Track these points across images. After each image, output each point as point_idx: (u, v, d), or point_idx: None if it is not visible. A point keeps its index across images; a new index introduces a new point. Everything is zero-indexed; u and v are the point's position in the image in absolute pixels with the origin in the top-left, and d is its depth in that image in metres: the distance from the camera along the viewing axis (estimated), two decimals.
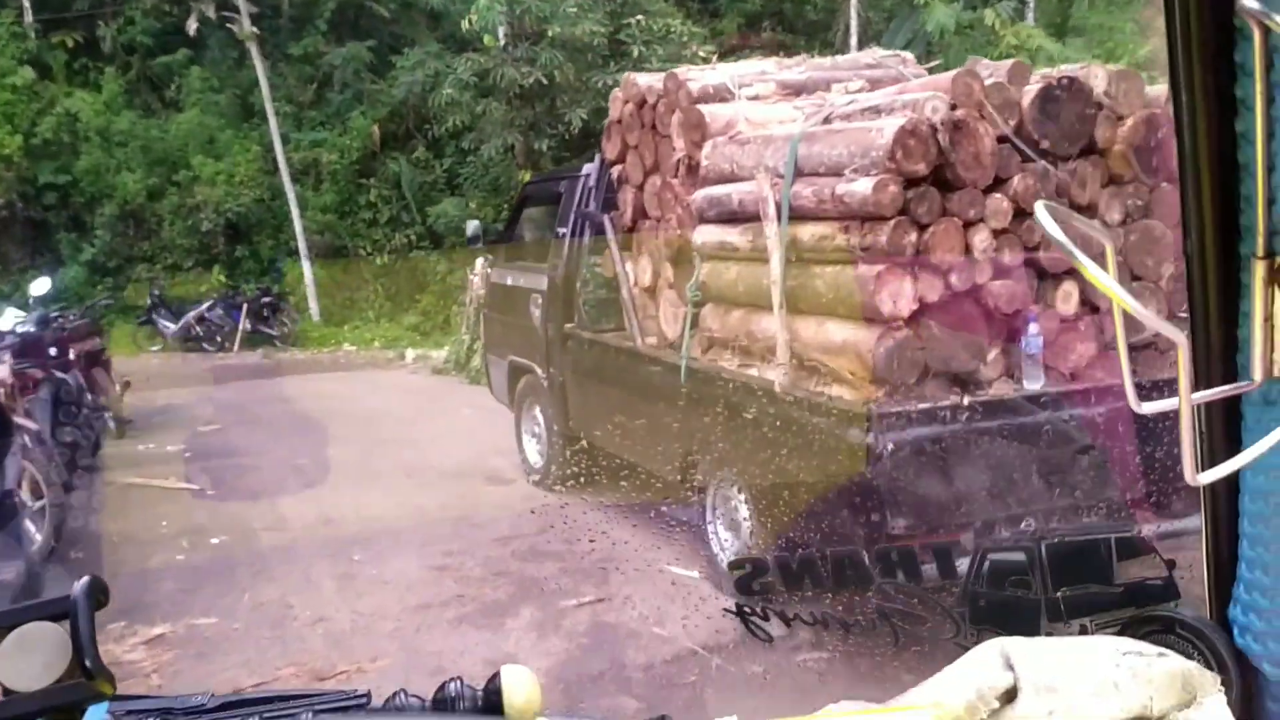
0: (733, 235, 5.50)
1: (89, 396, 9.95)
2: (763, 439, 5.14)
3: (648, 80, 6.55)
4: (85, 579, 0.84)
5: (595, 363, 6.86)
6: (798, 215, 5.05)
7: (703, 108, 5.91)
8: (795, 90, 6.13)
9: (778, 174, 5.19)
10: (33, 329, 8.99)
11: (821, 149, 4.95)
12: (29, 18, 18.38)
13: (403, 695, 0.98)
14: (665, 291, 6.37)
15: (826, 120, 5.18)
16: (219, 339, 16.49)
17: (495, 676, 0.98)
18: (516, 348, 7.90)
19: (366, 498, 7.70)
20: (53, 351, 9.14)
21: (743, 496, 5.48)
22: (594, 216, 6.93)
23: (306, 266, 17.32)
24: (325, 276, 17.67)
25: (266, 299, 16.65)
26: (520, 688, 0.96)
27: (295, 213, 17.26)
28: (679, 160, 6.13)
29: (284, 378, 13.84)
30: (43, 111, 17.76)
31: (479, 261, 11.18)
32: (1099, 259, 0.96)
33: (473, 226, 8.50)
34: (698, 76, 6.14)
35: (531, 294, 7.53)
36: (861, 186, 4.64)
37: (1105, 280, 0.94)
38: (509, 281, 8.03)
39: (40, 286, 9.84)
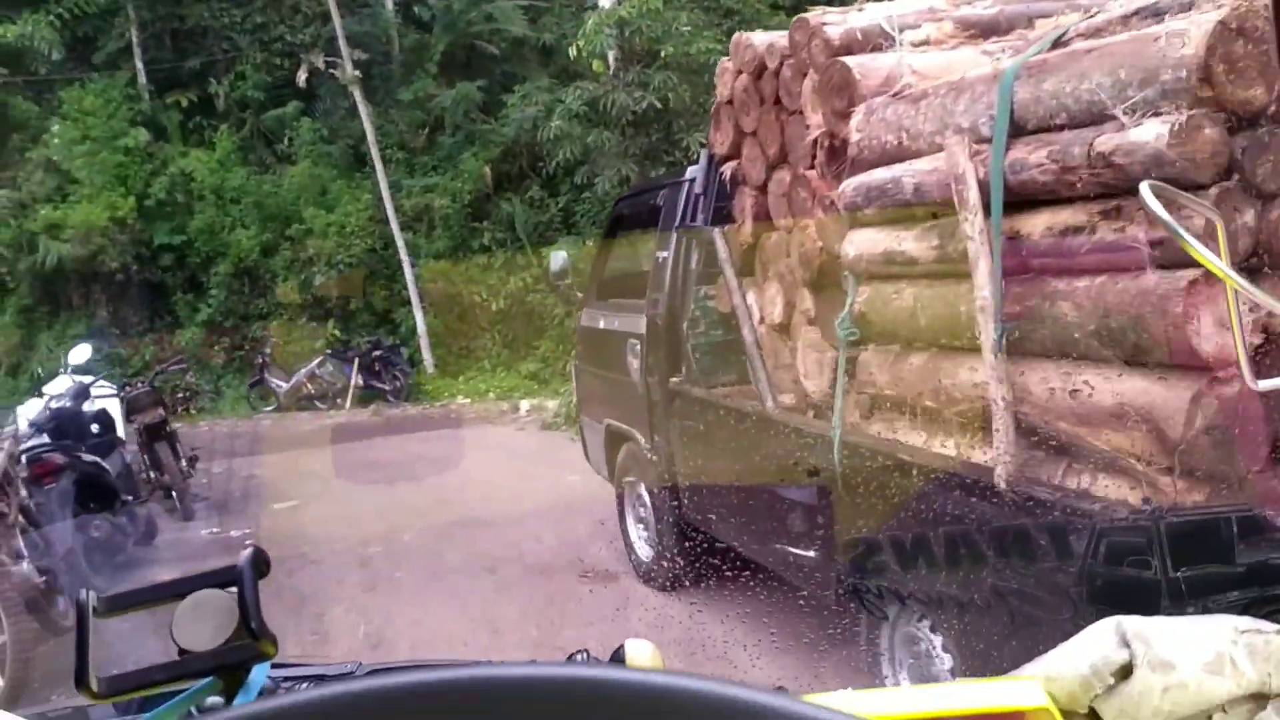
0: (906, 240, 3.39)
1: (149, 475, 8.34)
2: (976, 558, 2.99)
3: (766, 38, 4.48)
4: (250, 549, 0.84)
5: (710, 430, 4.78)
6: (1021, 197, 2.92)
7: (849, 61, 3.81)
8: (982, 31, 3.98)
9: (980, 137, 3.07)
10: (68, 403, 7.35)
11: (1060, 85, 2.81)
12: (143, 79, 17.32)
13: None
14: (804, 330, 4.27)
15: (1060, 44, 3.02)
16: (332, 395, 14.98)
17: (620, 649, 0.97)
18: (613, 409, 5.89)
19: (432, 607, 5.75)
20: (94, 429, 7.49)
21: (938, 640, 3.32)
22: (701, 230, 4.89)
23: (419, 316, 15.68)
24: (439, 326, 16.00)
25: (378, 352, 15.07)
26: (643, 659, 0.94)
27: (406, 261, 15.66)
28: (816, 141, 4.05)
29: (385, 438, 12.09)
30: (156, 172, 16.62)
31: None
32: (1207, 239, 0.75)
33: (559, 260, 6.52)
34: (838, 20, 4.04)
35: (628, 340, 5.52)
36: (1148, 133, 2.49)
37: (1214, 260, 0.92)
38: (600, 325, 6.03)
39: (79, 355, 8.22)
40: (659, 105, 14.41)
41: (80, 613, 0.80)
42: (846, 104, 3.78)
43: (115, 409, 8.43)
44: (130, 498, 7.28)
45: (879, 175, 3.48)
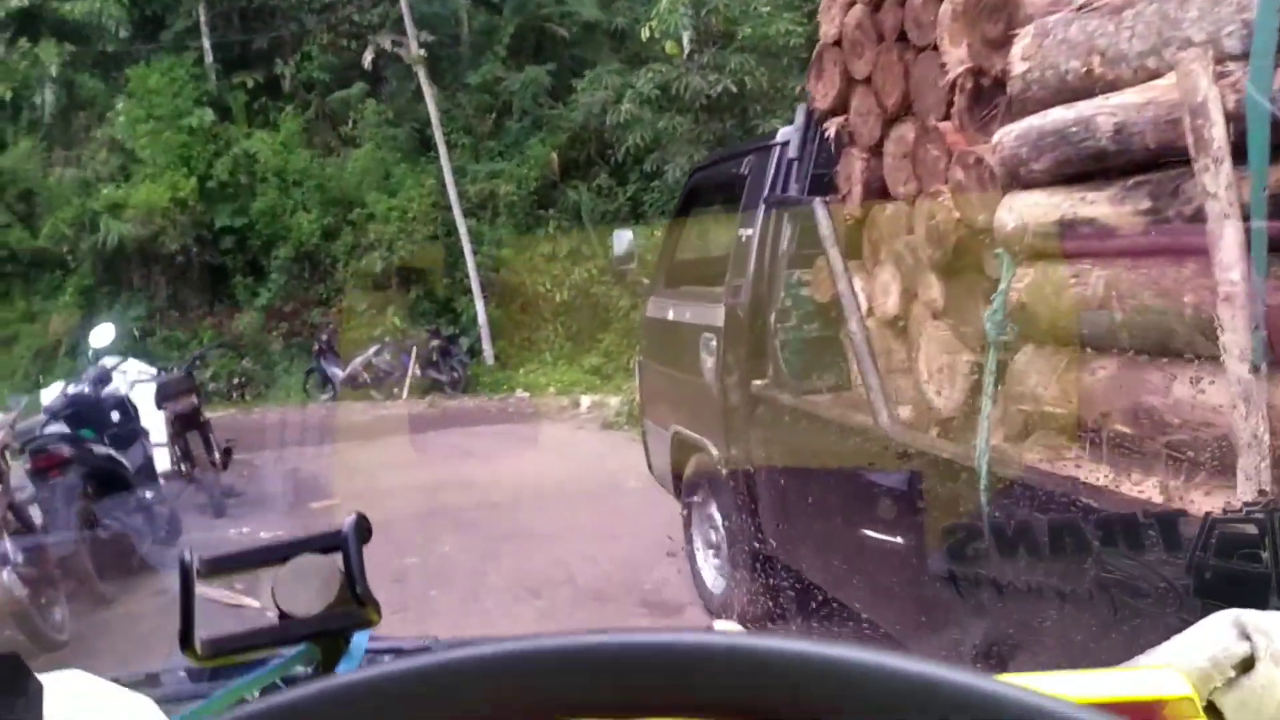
0: (1098, 203, 2.40)
1: (179, 468, 7.58)
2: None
3: None
4: (354, 515, 0.80)
5: (802, 446, 3.82)
6: None
7: None
8: None
9: (1226, 53, 2.10)
10: (87, 389, 6.59)
11: None
12: (209, 58, 16.71)
13: None
14: (928, 325, 3.30)
15: None
16: (389, 385, 14.23)
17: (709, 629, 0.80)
18: (681, 413, 4.95)
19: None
20: (115, 417, 6.73)
21: None
22: (796, 203, 3.94)
23: (480, 306, 14.86)
24: (501, 316, 15.18)
25: (436, 342, 14.28)
26: None
27: (468, 248, 14.86)
28: (955, 83, 3.07)
29: (438, 432, 11.28)
30: (219, 153, 15.99)
31: None
32: None
33: (623, 240, 5.56)
34: None
35: (702, 334, 4.58)
36: None
37: None
38: (670, 315, 5.08)
39: (102, 336, 7.44)
40: (734, 89, 13.47)
41: (185, 574, 0.75)
42: (1004, 29, 2.81)
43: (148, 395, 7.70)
44: (150, 494, 6.51)
45: (1057, 117, 2.50)
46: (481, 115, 16.78)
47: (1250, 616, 0.82)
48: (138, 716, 0.86)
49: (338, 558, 0.81)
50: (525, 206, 15.76)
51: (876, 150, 3.60)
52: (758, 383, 4.13)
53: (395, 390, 14.15)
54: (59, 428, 6.25)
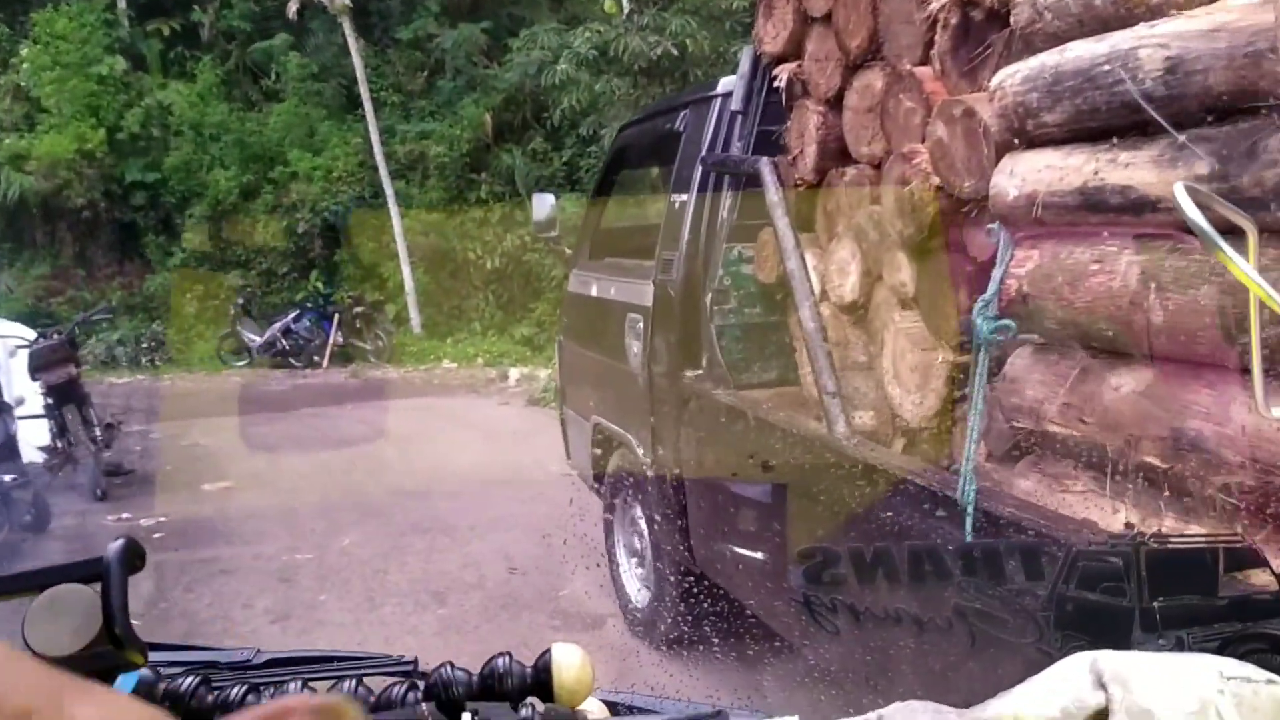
0: (1136, 165, 1.82)
1: (56, 445, 6.80)
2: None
3: None
4: (120, 541, 0.70)
5: (738, 450, 3.21)
6: None
7: None
8: None
9: None
10: None
11: None
12: (122, 4, 15.61)
13: (448, 668, 0.80)
14: (895, 315, 2.70)
15: None
16: (308, 353, 13.41)
17: (545, 654, 0.81)
18: (604, 403, 4.32)
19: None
20: None
21: None
22: (739, 164, 3.30)
23: (407, 272, 14.07)
24: (429, 282, 14.42)
25: (360, 309, 13.50)
26: (570, 667, 0.80)
27: (395, 211, 14.04)
28: (938, 18, 2.46)
29: (356, 405, 10.54)
30: (131, 104, 14.93)
31: None
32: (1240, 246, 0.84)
33: (544, 205, 4.88)
34: None
35: (628, 314, 3.94)
36: None
37: (1245, 269, 0.85)
38: (593, 292, 4.43)
39: None
40: (675, 52, 12.75)
41: None
42: None
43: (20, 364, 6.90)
44: (9, 477, 5.75)
45: (1082, 53, 1.90)
46: (412, 73, 15.92)
47: (1109, 661, 0.76)
48: None
49: (98, 589, 0.70)
50: (456, 169, 14.98)
51: (836, 103, 2.98)
52: (690, 374, 3.51)
53: (315, 358, 13.37)
54: None
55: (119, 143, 14.68)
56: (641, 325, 3.80)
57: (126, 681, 0.73)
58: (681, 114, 3.84)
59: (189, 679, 0.78)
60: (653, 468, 3.77)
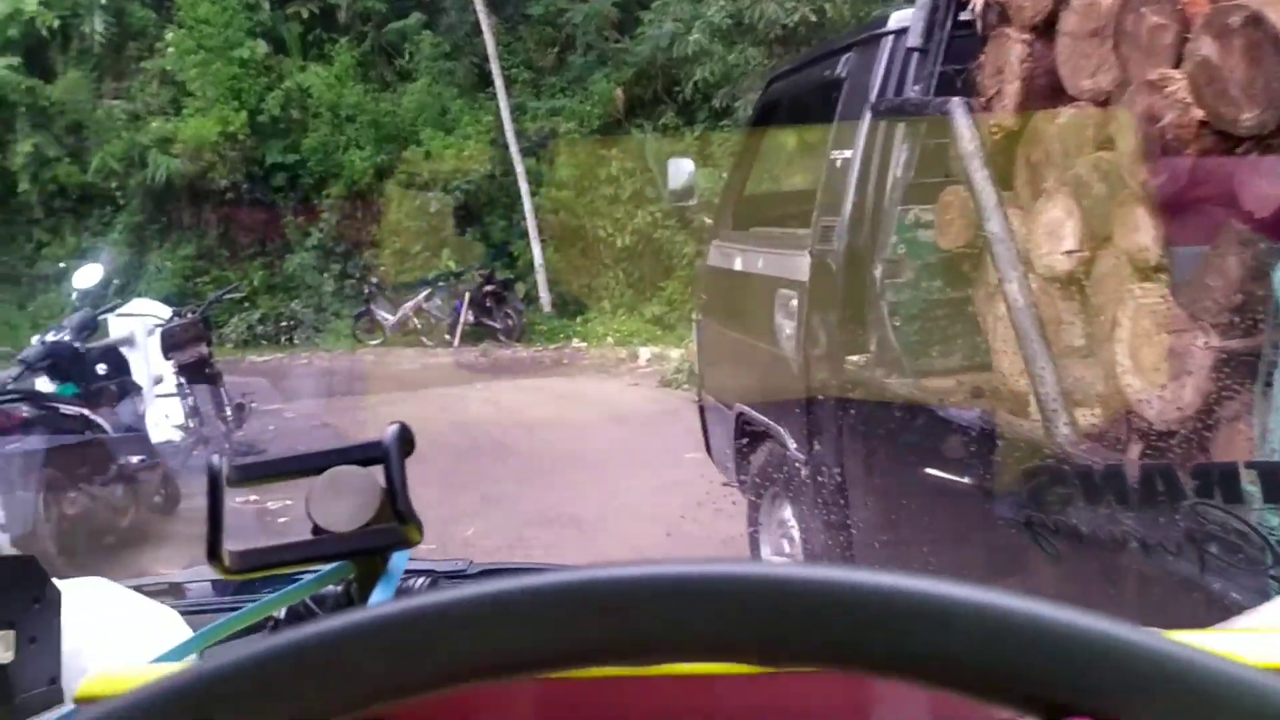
0: None
1: (189, 425, 6.65)
2: None
3: None
4: (395, 425, 0.70)
5: (920, 451, 2.68)
6: None
7: None
8: None
9: None
10: (68, 337, 5.62)
11: None
12: None
13: None
14: (1136, 290, 2.13)
15: None
16: (439, 331, 13.26)
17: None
18: (749, 390, 3.81)
19: None
20: (100, 369, 5.77)
21: None
22: (920, 108, 2.75)
23: (537, 250, 13.77)
24: (559, 261, 14.09)
25: (490, 287, 13.26)
26: None
27: (525, 189, 13.75)
28: None
29: (487, 383, 10.28)
30: (271, 87, 15.00)
31: None
32: None
33: (681, 170, 4.38)
34: None
35: (778, 290, 3.42)
36: None
37: None
38: (737, 265, 3.92)
39: (87, 276, 6.46)
40: (814, 18, 12.13)
41: (213, 481, 0.68)
42: None
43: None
44: (137, 459, 5.56)
45: None
46: (543, 49, 15.59)
47: None
48: (159, 625, 0.83)
49: (378, 471, 0.71)
50: (587, 146, 14.58)
51: (1046, 29, 2.40)
52: (854, 359, 2.97)
53: (446, 337, 13.20)
54: (30, 383, 5.32)
55: (260, 125, 14.76)
56: (795, 303, 3.27)
57: (401, 559, 0.72)
58: (843, 58, 3.28)
59: (420, 579, 0.86)
60: (808, 465, 3.25)
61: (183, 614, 0.84)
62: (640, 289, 13.85)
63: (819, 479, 3.20)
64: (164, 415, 6.49)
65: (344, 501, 0.70)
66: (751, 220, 3.98)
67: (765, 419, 3.60)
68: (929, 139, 2.75)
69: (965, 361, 2.77)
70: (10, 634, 0.71)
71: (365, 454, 0.72)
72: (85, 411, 5.16)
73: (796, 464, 3.34)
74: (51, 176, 14.69)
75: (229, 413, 6.81)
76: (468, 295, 13.20)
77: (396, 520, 0.70)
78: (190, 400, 6.67)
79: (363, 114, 15.02)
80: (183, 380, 6.71)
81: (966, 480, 2.44)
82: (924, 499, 2.75)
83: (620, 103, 14.76)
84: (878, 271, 2.88)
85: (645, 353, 11.56)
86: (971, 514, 2.52)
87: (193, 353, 6.68)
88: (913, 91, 2.85)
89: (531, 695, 0.63)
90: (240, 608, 0.89)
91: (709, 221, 4.44)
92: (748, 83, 12.94)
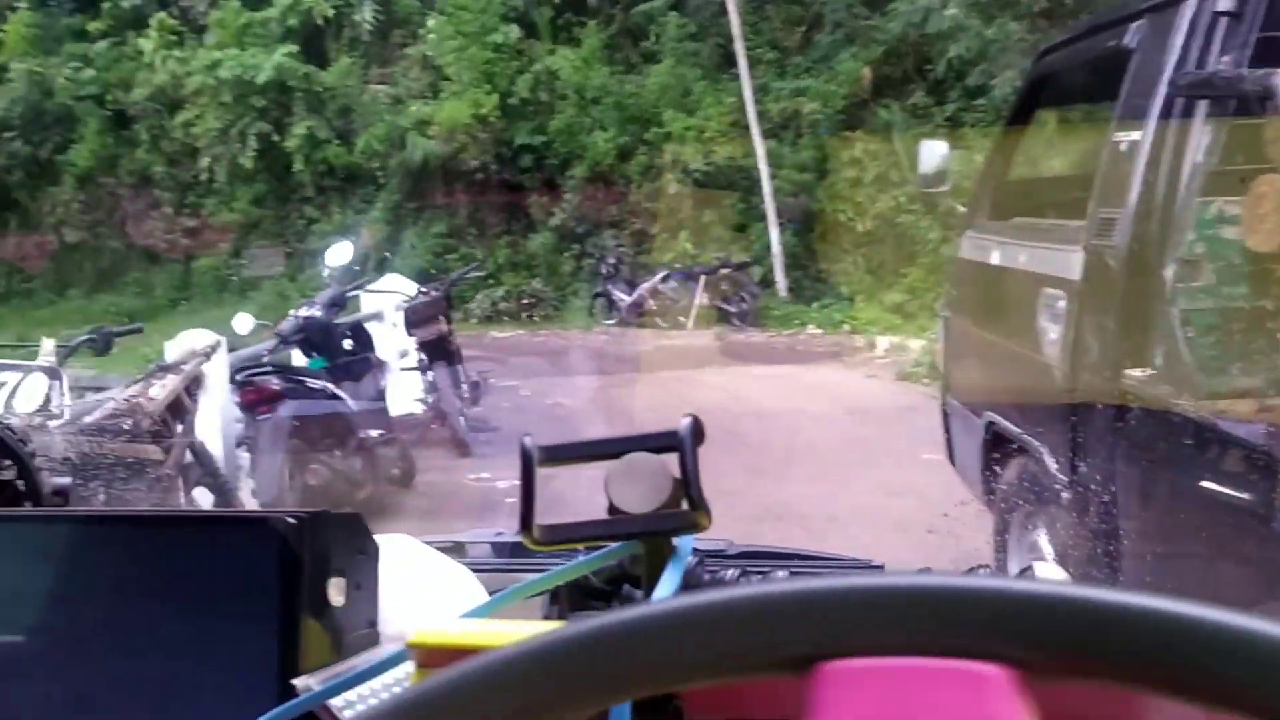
0: None
1: (427, 400, 6.82)
2: None
3: None
4: (689, 418, 0.76)
5: (1216, 487, 2.26)
6: None
7: None
8: None
9: None
10: (319, 313, 5.83)
11: None
12: None
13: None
14: None
15: None
16: (674, 314, 13.21)
17: (1028, 569, 0.88)
18: (1002, 398, 3.43)
19: None
20: (347, 345, 5.97)
21: None
22: (1236, 83, 2.31)
23: (774, 233, 13.47)
24: (796, 245, 13.75)
25: (726, 270, 13.07)
26: None
27: (765, 171, 13.47)
28: None
29: (720, 368, 10.11)
30: (522, 70, 15.36)
31: None
32: None
33: (934, 154, 4.02)
34: None
35: (1042, 289, 3.03)
36: None
37: None
38: (994, 259, 3.53)
39: (338, 254, 6.67)
40: None
41: (526, 460, 0.76)
42: None
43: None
44: (377, 433, 5.71)
45: None
46: (789, 28, 15.23)
47: None
48: (456, 581, 0.94)
49: (670, 458, 0.77)
50: (830, 127, 14.14)
51: None
52: (1135, 373, 2.56)
53: (681, 319, 13.12)
54: (285, 355, 5.55)
55: (510, 108, 15.14)
56: (1064, 304, 2.88)
57: (688, 542, 0.76)
58: (1132, 27, 2.84)
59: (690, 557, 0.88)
60: (1070, 489, 2.86)
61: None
62: (880, 275, 13.33)
63: (1082, 504, 2.81)
64: (404, 390, 6.67)
65: (639, 485, 0.74)
66: (1014, 209, 3.57)
67: (1020, 432, 3.22)
68: (1241, 119, 2.31)
69: (1269, 383, 2.32)
70: (342, 581, 0.80)
71: (660, 442, 0.76)
72: (330, 385, 5.33)
73: (1056, 485, 2.95)
74: (322, 157, 15.62)
75: (465, 389, 6.94)
76: (703, 278, 13.06)
77: (688, 505, 0.74)
78: (430, 376, 6.84)
79: (607, 96, 15.15)
80: (423, 356, 6.88)
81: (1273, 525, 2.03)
82: (1212, 540, 2.34)
83: (867, 82, 14.22)
84: (1169, 273, 2.46)
85: (883, 342, 11.09)
86: (1273, 568, 2.11)
87: (433, 330, 6.84)
88: (1221, 63, 2.41)
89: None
90: (516, 567, 1.04)
91: (961, 209, 4.04)
92: (1006, 60, 12.16)
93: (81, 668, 0.81)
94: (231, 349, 5.75)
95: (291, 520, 0.78)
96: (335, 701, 0.72)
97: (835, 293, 13.29)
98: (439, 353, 6.85)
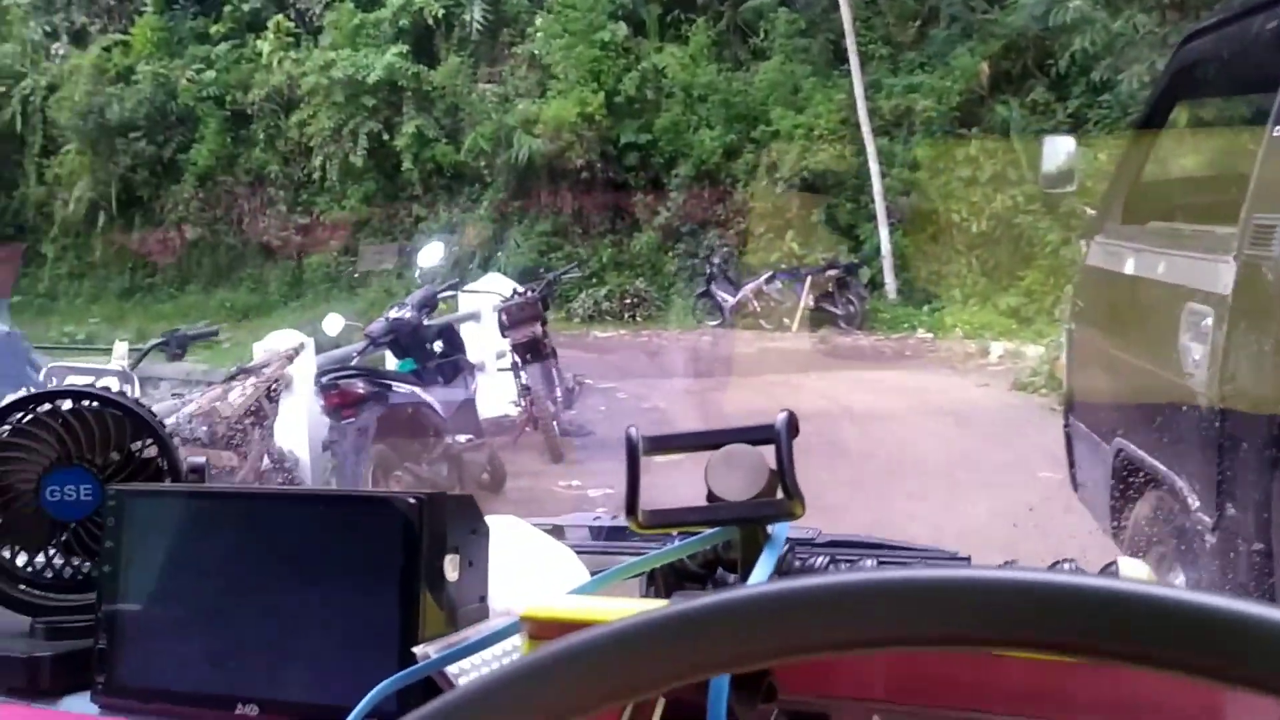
0: None
1: (520, 403, 6.66)
2: None
3: None
4: (785, 413, 0.78)
5: None
6: None
7: None
8: None
9: None
10: (409, 314, 5.69)
11: None
12: None
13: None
14: None
15: None
16: (778, 315, 12.85)
17: (1111, 564, 0.89)
18: (1134, 423, 3.06)
19: None
20: (436, 347, 5.83)
21: None
22: None
23: (884, 234, 13.01)
24: (907, 246, 13.26)
25: (833, 271, 12.64)
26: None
27: (876, 170, 13.01)
28: None
29: (824, 373, 9.76)
30: (629, 68, 15.18)
31: None
32: None
33: (1060, 150, 3.63)
34: None
35: (1185, 304, 2.66)
36: None
37: None
38: (1128, 268, 3.15)
39: (430, 255, 6.50)
40: None
41: (631, 449, 0.80)
42: None
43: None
44: (465, 438, 5.55)
45: None
46: (903, 23, 14.72)
47: None
48: (560, 561, 1.01)
49: (766, 450, 0.79)
50: (944, 124, 13.60)
51: None
52: None
53: (785, 321, 12.76)
54: (379, 355, 5.43)
55: (616, 106, 14.98)
56: (1210, 321, 2.51)
57: (782, 529, 0.78)
58: None
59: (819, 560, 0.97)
60: (1214, 531, 2.49)
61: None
62: (995, 278, 12.77)
63: (1229, 553, 2.44)
64: (497, 392, 6.51)
65: (737, 474, 0.77)
66: (1150, 213, 3.19)
67: (1156, 463, 2.85)
68: None
69: None
70: (456, 557, 0.85)
71: (757, 435, 0.78)
72: (417, 390, 5.18)
73: (1197, 527, 2.58)
74: (430, 156, 15.71)
75: (559, 393, 6.74)
76: (809, 279, 12.67)
77: (783, 494, 0.76)
78: (523, 379, 6.66)
79: (714, 94, 14.89)
80: (517, 358, 6.71)
81: None
82: None
83: (984, 78, 13.64)
84: None
85: (997, 348, 10.57)
86: None
87: (527, 331, 6.66)
88: None
89: (885, 660, 0.67)
90: (612, 550, 1.11)
91: (1088, 210, 3.66)
92: (1134, 53, 11.55)
93: (217, 632, 0.89)
94: (326, 349, 5.66)
95: (412, 500, 0.84)
96: (450, 669, 0.77)
97: (948, 295, 12.77)
98: (533, 355, 6.67)
